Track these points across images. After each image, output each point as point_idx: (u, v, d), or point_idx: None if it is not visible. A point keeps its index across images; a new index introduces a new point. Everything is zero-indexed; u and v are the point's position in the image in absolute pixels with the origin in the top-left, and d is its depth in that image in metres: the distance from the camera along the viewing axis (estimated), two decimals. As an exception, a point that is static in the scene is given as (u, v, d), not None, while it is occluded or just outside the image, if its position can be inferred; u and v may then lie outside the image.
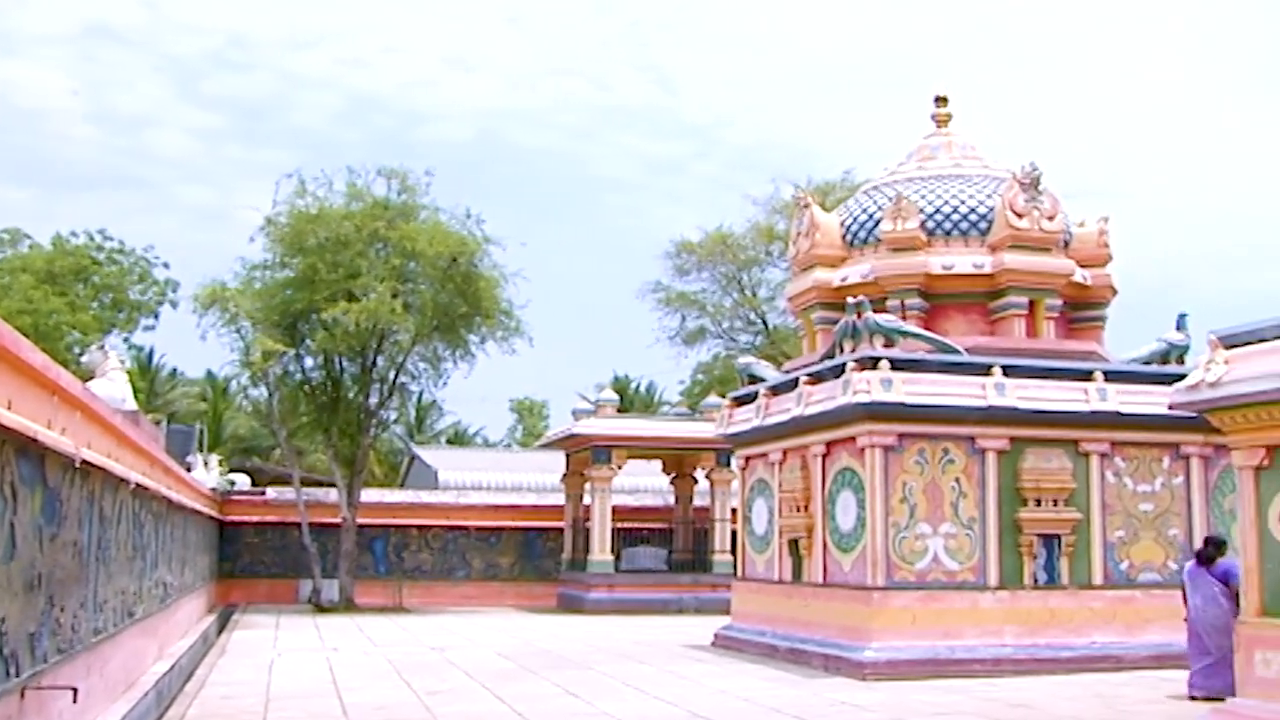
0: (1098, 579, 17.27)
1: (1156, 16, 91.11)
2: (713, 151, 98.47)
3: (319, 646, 20.16)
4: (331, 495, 32.81)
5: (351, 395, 31.77)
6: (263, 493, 34.32)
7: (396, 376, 31.98)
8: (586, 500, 32.18)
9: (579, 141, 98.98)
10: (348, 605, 30.48)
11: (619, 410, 34.10)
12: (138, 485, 11.32)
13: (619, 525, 32.38)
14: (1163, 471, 17.87)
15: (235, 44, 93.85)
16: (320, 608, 30.06)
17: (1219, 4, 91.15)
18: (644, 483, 37.18)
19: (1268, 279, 72.41)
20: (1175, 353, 18.92)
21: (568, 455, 34.27)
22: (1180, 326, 19.25)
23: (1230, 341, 10.80)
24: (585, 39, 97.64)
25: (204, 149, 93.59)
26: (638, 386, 61.80)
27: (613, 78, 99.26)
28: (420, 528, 34.80)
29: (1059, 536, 17.08)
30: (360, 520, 32.04)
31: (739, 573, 21.22)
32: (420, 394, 40.35)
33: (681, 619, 28.25)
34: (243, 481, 36.31)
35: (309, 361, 31.66)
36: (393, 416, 38.75)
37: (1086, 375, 17.53)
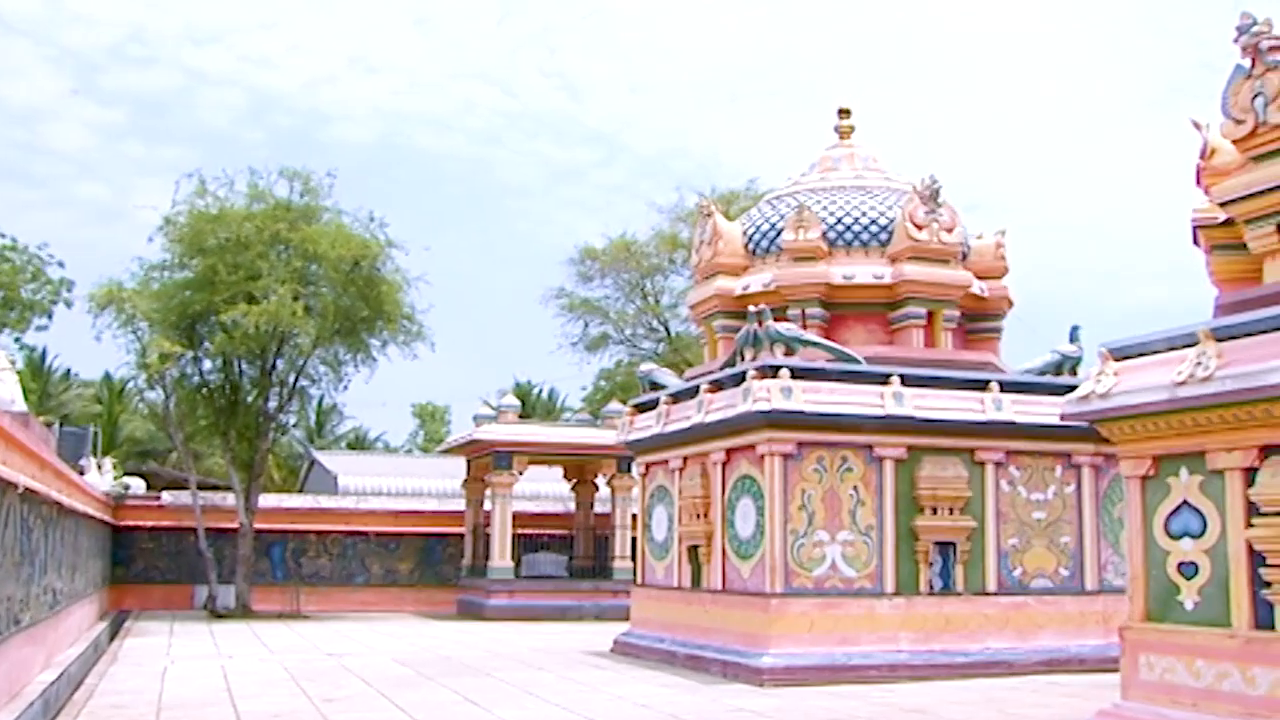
0: (992, 586, 17.52)
1: (1053, 35, 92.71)
2: (618, 159, 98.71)
3: (214, 654, 19.88)
4: (229, 500, 32.37)
5: (250, 399, 31.38)
6: (158, 497, 33.78)
7: (297, 380, 31.66)
8: (487, 506, 32.05)
9: (484, 146, 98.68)
10: (244, 612, 30.09)
11: (521, 416, 34.02)
12: (26, 489, 11.09)
13: (520, 531, 32.30)
14: (1055, 480, 18.18)
15: (135, 38, 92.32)
16: (216, 614, 29.65)
17: (1111, 26, 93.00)
18: (545, 489, 37.13)
19: (1159, 292, 73.97)
20: (1068, 364, 19.26)
21: (469, 461, 34.12)
22: (1073, 338, 19.60)
23: (1120, 354, 11.00)
24: (492, 43, 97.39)
25: (101, 144, 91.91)
26: (540, 392, 61.64)
27: (519, 83, 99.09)
28: (319, 533, 34.45)
29: (954, 544, 17.30)
30: (258, 525, 31.65)
31: (638, 579, 21.25)
32: (321, 398, 40.10)
33: (582, 625, 28.21)
34: (138, 486, 35.67)
35: (207, 364, 31.23)
36: (292, 420, 38.42)
37: (983, 385, 17.79)
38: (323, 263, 29.54)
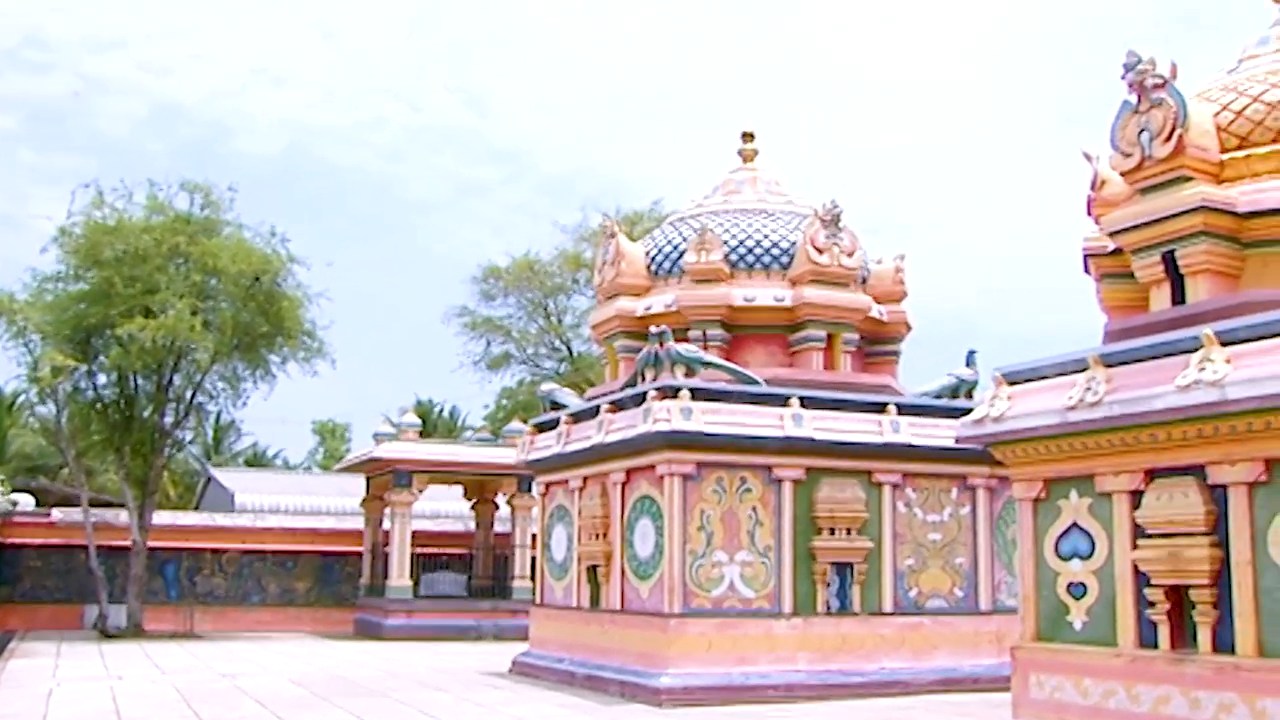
0: (888, 606, 17.70)
1: (953, 65, 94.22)
2: (524, 177, 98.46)
3: (103, 675, 19.51)
4: (122, 517, 31.75)
5: (146, 414, 30.83)
6: (48, 514, 33.12)
7: (194, 396, 31.20)
8: (386, 525, 31.81)
9: (390, 161, 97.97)
10: (136, 631, 29.53)
11: (421, 434, 33.84)
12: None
13: (419, 550, 32.07)
14: (951, 502, 18.43)
15: (32, 43, 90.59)
16: (106, 634, 29.09)
17: (1008, 56, 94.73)
18: (445, 508, 36.90)
19: (1054, 317, 75.26)
20: (965, 387, 19.54)
21: (368, 479, 33.85)
22: (970, 362, 19.90)
23: (1013, 378, 11.23)
24: (400, 58, 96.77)
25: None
26: (441, 411, 61.27)
27: (426, 99, 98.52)
28: (214, 551, 33.98)
29: (852, 565, 17.46)
30: (152, 543, 31.08)
31: (538, 599, 21.21)
32: (218, 414, 39.57)
33: (481, 645, 28.07)
34: (26, 502, 34.93)
35: (101, 378, 30.64)
36: (189, 437, 37.79)
37: (880, 408, 17.99)
38: (222, 277, 29.17)
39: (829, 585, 17.32)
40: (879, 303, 20.52)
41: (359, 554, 34.41)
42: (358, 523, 34.85)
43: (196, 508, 44.93)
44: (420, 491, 31.31)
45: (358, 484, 35.59)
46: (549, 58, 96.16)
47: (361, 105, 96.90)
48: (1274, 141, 10.68)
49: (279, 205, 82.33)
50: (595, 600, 18.65)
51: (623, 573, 17.85)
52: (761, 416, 17.13)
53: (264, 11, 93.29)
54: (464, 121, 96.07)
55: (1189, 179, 10.45)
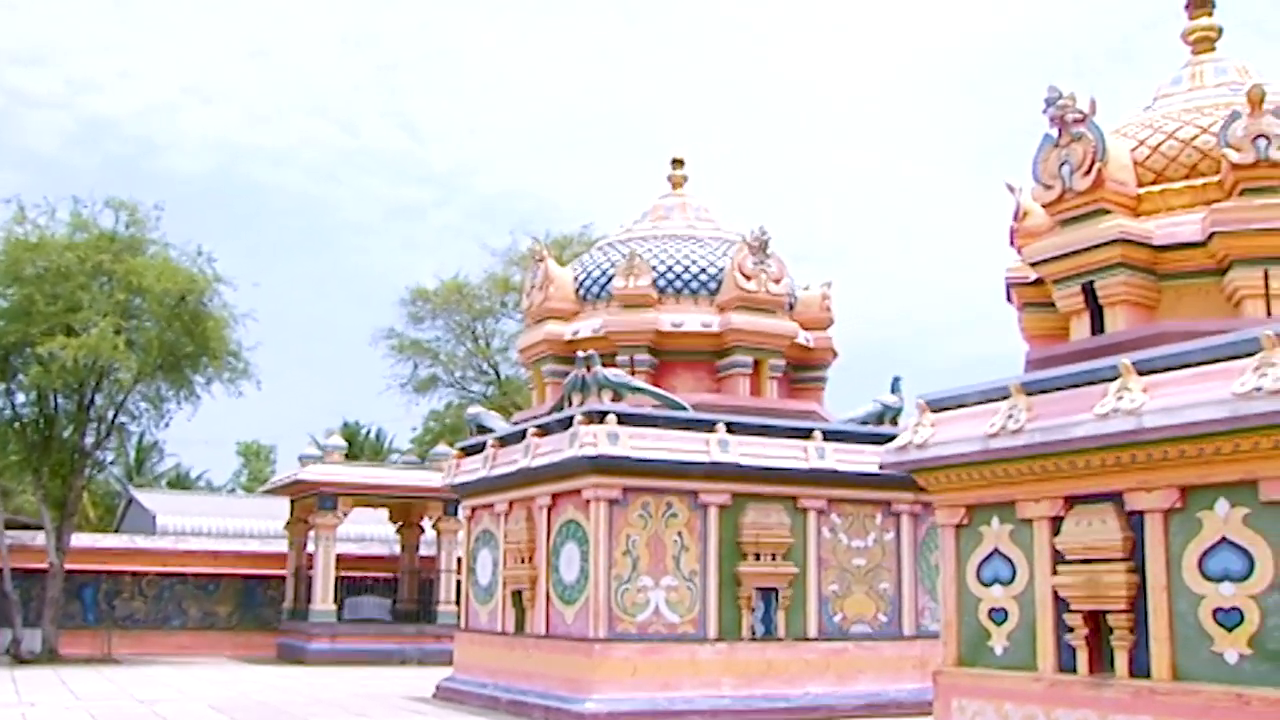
0: (812, 631, 17.79)
1: (881, 95, 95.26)
2: (455, 200, 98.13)
3: (14, 702, 19.14)
4: (39, 539, 31.18)
5: (66, 434, 30.39)
6: (-39, 536, 32.50)
7: (116, 416, 30.78)
8: (311, 548, 31.52)
9: (321, 182, 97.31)
10: (51, 656, 29.02)
11: (348, 457, 33.63)
12: None
13: (343, 574, 31.82)
14: (875, 527, 18.57)
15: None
16: (20, 659, 28.53)
17: (934, 88, 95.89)
18: (370, 531, 36.62)
19: (979, 345, 76.14)
20: (889, 414, 19.72)
21: (293, 501, 33.53)
22: (895, 389, 20.09)
23: (937, 405, 11.35)
24: (332, 79, 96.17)
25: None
26: (368, 433, 60.85)
27: (359, 120, 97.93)
28: (134, 574, 33.44)
29: (777, 590, 17.54)
30: (69, 566, 30.56)
31: (462, 624, 21.11)
32: (141, 435, 39.00)
33: (405, 670, 27.87)
34: (-61, 523, 34.27)
35: (20, 397, 30.18)
36: (110, 457, 37.32)
37: (806, 434, 18.11)
38: (147, 296, 28.84)
39: (754, 610, 17.38)
40: (806, 329, 20.67)
41: (282, 577, 34.04)
42: (282, 546, 34.50)
43: (117, 530, 44.25)
44: (345, 514, 31.09)
45: (282, 506, 35.25)
46: (482, 81, 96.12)
47: (293, 125, 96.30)
48: (1188, 177, 10.90)
49: (207, 224, 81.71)
50: (520, 625, 18.59)
51: (548, 597, 17.81)
52: (688, 442, 17.18)
53: (194, 29, 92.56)
54: (396, 143, 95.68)
55: (1108, 212, 10.64)
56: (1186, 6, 12.41)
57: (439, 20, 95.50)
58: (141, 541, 34.73)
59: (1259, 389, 8.32)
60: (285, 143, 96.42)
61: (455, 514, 28.68)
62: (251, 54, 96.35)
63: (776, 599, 17.54)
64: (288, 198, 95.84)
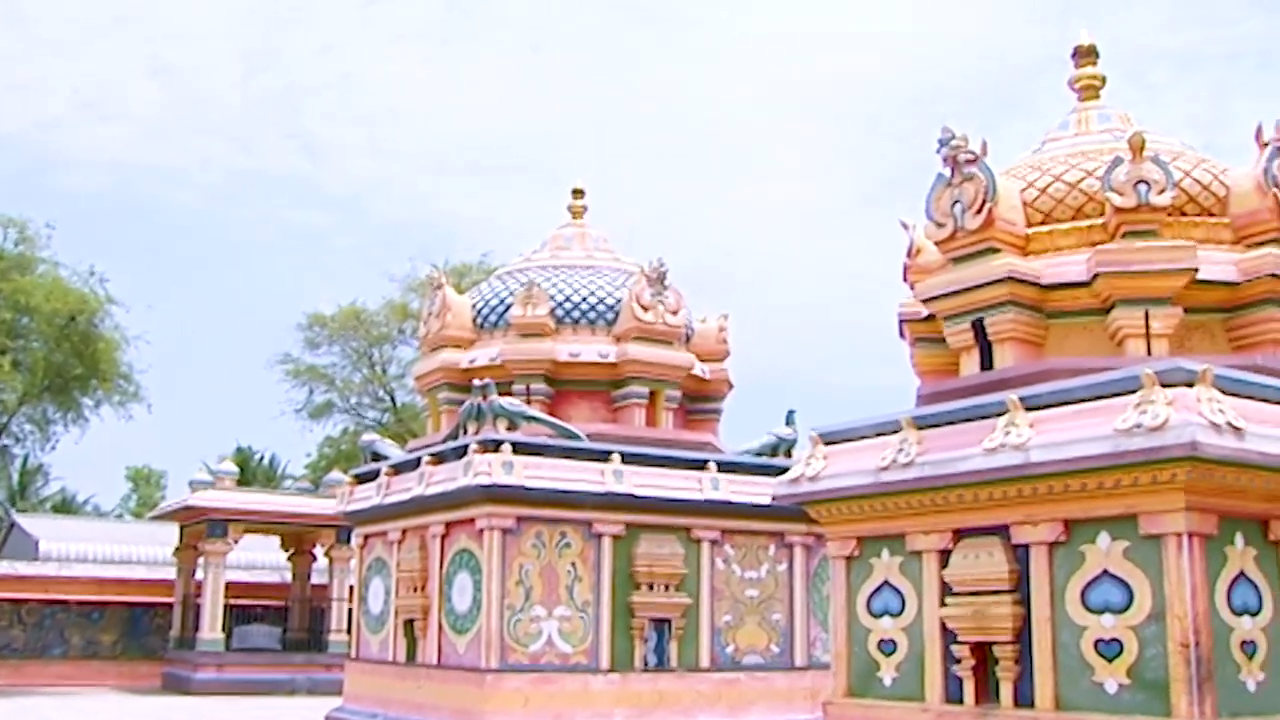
0: (705, 662, 17.85)
1: (781, 129, 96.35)
2: (355, 225, 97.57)
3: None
4: (-85, 565, 30.49)
5: (-55, 457, 29.78)
6: None
7: (-2, 438, 30.20)
8: (200, 575, 31.04)
9: (219, 203, 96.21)
10: (-74, 686, 28.31)
11: (240, 482, 33.22)
12: None
13: (232, 602, 31.36)
14: (769, 559, 18.70)
15: None
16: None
17: (834, 124, 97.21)
18: (261, 558, 36.16)
19: (873, 378, 77.05)
20: (784, 446, 19.88)
21: (182, 528, 33.04)
22: (789, 421, 20.27)
23: (829, 438, 11.47)
24: (233, 100, 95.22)
25: None
26: (262, 459, 60.18)
27: (259, 141, 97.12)
28: (14, 601, 32.66)
29: (670, 620, 17.58)
30: (-54, 593, 29.86)
31: (353, 653, 20.88)
32: (25, 457, 38.22)
33: (294, 700, 27.54)
34: None
35: (-102, 418, 29.54)
36: (-9, 481, 36.51)
37: (701, 465, 18.20)
38: (35, 316, 28.39)
39: (647, 641, 17.41)
40: (702, 361, 20.79)
41: (170, 605, 33.49)
42: (169, 572, 33.95)
43: (-3, 556, 43.25)
44: (236, 541, 30.69)
45: (171, 533, 34.69)
46: (385, 106, 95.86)
47: (192, 145, 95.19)
48: (1074, 218, 11.16)
49: (101, 244, 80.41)
50: (411, 655, 18.44)
51: (440, 627, 17.70)
52: (582, 472, 17.20)
53: (90, 44, 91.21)
54: (297, 166, 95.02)
55: (997, 250, 10.84)
56: (1073, 55, 12.75)
57: (341, 43, 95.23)
58: (23, 568, 33.94)
59: (1139, 425, 8.54)
60: (184, 162, 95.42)
61: (348, 542, 28.37)
62: (150, 71, 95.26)
63: (669, 630, 17.58)
64: (185, 218, 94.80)
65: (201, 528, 30.72)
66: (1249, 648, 8.85)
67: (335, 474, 32.80)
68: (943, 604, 10.17)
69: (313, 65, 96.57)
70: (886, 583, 10.86)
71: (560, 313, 20.03)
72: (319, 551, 33.26)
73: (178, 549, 33.28)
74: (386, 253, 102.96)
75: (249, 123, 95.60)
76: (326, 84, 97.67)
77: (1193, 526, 8.64)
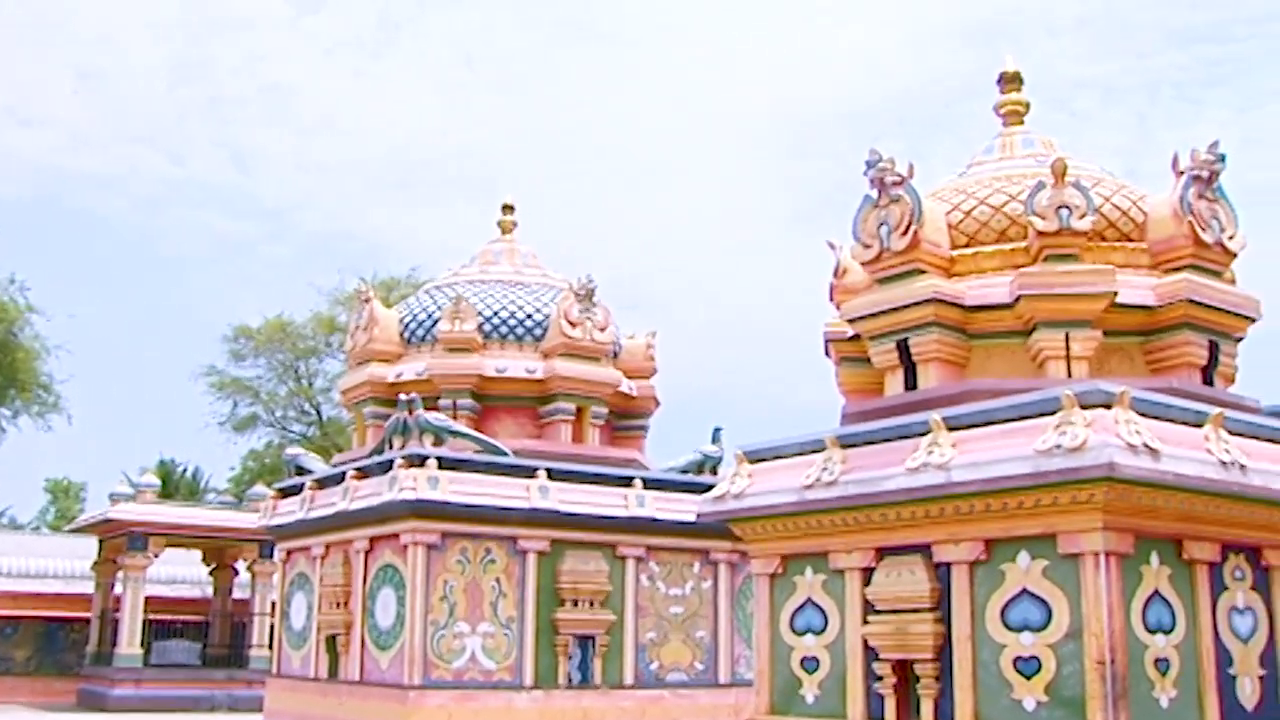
0: (629, 679, 17.84)
1: (712, 149, 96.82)
2: (285, 236, 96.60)
3: None
4: None
5: None
6: None
7: (-89, 450, 29.67)
8: (119, 589, 30.59)
9: (146, 213, 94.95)
10: None
11: (162, 495, 32.80)
12: None
13: (152, 617, 30.90)
14: (693, 576, 18.73)
15: None
16: None
17: (765, 145, 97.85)
18: (182, 572, 35.67)
19: (801, 397, 77.50)
20: (710, 464, 19.94)
21: (101, 541, 32.52)
22: (715, 439, 20.34)
23: (754, 456, 11.53)
24: (161, 108, 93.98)
25: None
26: (185, 471, 59.45)
27: (188, 150, 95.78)
28: (-75, 616, 32.05)
29: (594, 637, 17.57)
30: None
31: (275, 669, 20.67)
32: (-62, 469, 37.52)
33: (214, 717, 27.18)
34: None
35: None
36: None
37: (626, 482, 18.22)
38: (-50, 326, 27.91)
39: (571, 658, 17.38)
40: (629, 377, 20.82)
41: (87, 620, 32.94)
42: (87, 587, 33.39)
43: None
44: (156, 555, 30.25)
45: (90, 546, 34.14)
46: (315, 117, 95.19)
47: (119, 153, 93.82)
48: (998, 241, 11.31)
49: (23, 251, 79.10)
50: (334, 671, 18.29)
51: (363, 643, 17.57)
52: (508, 487, 17.17)
53: (12, 48, 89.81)
54: (226, 176, 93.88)
55: (923, 272, 10.97)
56: (999, 81, 12.96)
57: (272, 54, 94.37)
58: (-67, 581, 33.30)
59: (1059, 446, 8.67)
60: (111, 170, 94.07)
61: (271, 556, 28.10)
62: (76, 76, 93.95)
63: (593, 646, 17.57)
64: (111, 227, 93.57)
65: (121, 541, 30.28)
66: (1162, 665, 9.01)
67: (259, 488, 32.49)
68: (865, 622, 10.25)
69: (243, 75, 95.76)
70: (810, 600, 10.92)
71: (488, 328, 19.98)
72: (241, 566, 32.89)
73: (96, 563, 32.78)
74: (314, 265, 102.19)
75: (178, 132, 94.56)
76: (256, 95, 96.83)
77: (1110, 546, 8.78)
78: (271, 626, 25.84)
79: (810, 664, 10.83)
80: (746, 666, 18.58)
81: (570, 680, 17.34)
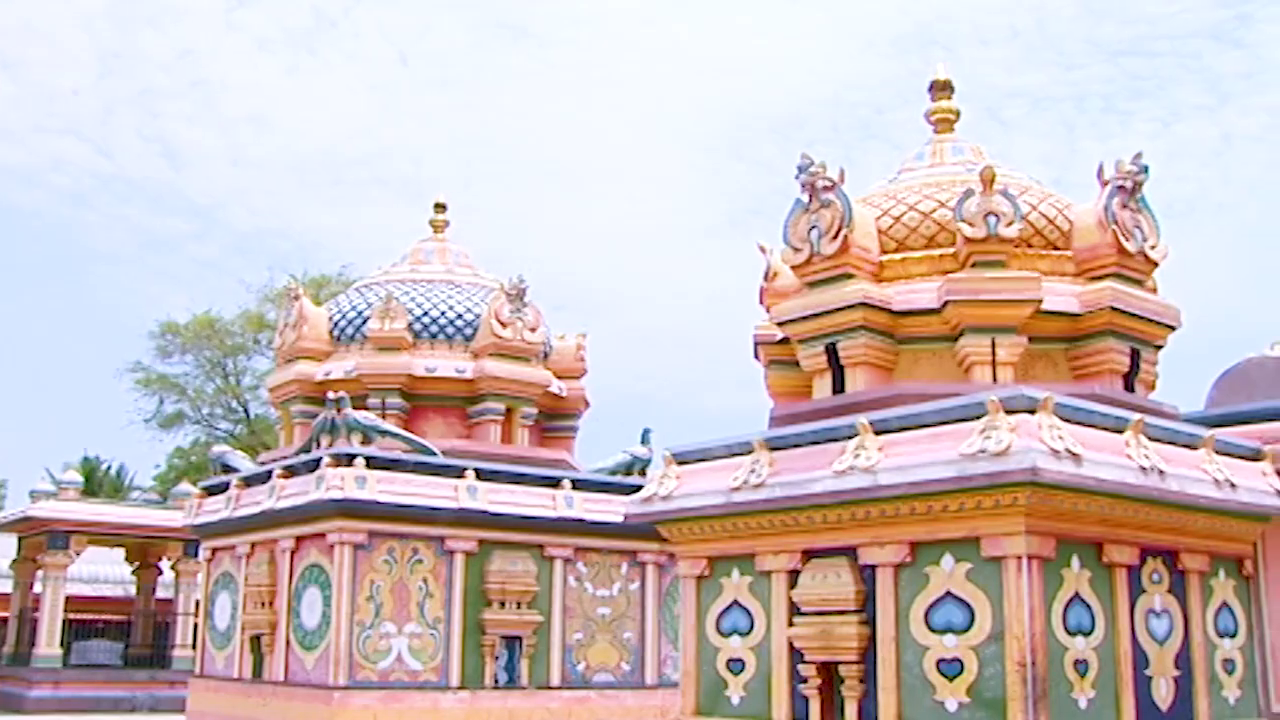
0: (556, 680, 17.83)
1: (646, 154, 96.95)
2: (215, 233, 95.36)
3: None
4: None
5: None
6: None
7: None
8: (38, 588, 30.16)
9: (72, 207, 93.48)
10: None
11: (85, 493, 32.35)
12: None
13: (72, 616, 30.49)
14: (621, 577, 18.76)
15: None
16: None
17: (697, 148, 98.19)
18: (104, 571, 35.27)
19: (733, 399, 77.79)
20: (638, 465, 19.98)
21: (20, 539, 32.04)
22: (644, 441, 20.39)
23: (682, 458, 11.56)
24: (88, 100, 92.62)
25: None
26: (109, 469, 58.73)
27: (115, 144, 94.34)
28: None
29: (521, 638, 17.54)
30: None
31: (198, 669, 20.45)
32: None
33: (135, 718, 26.86)
34: None
35: None
36: None
37: (555, 483, 18.20)
38: None
39: (498, 658, 17.35)
40: (559, 378, 20.81)
41: (4, 619, 32.45)
42: (5, 585, 32.90)
43: None
44: (78, 554, 29.85)
45: (9, 544, 33.64)
46: (246, 113, 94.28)
47: (43, 145, 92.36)
48: (927, 247, 11.41)
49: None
50: (258, 671, 18.13)
51: (288, 643, 17.43)
52: (436, 487, 17.10)
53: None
54: (154, 171, 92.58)
55: (852, 276, 11.05)
56: (930, 89, 13.10)
57: (203, 48, 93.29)
58: None
59: (983, 451, 8.77)
60: (34, 162, 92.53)
61: (195, 555, 27.87)
62: (1, 66, 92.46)
63: (520, 647, 17.54)
64: (36, 221, 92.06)
65: (41, 539, 29.85)
66: (1081, 667, 9.14)
67: (184, 486, 32.13)
68: (791, 624, 10.31)
69: (173, 68, 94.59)
70: (736, 602, 10.96)
71: (418, 327, 19.90)
72: (165, 565, 32.53)
73: (15, 561, 32.28)
74: (244, 262, 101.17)
75: (105, 124, 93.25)
76: (188, 89, 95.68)
77: (1032, 549, 8.89)
78: (195, 626, 25.58)
79: (736, 665, 10.87)
80: (673, 668, 18.62)
81: (497, 681, 17.30)
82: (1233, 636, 10.63)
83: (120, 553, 33.50)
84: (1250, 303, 72.33)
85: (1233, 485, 10.08)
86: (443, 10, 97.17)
